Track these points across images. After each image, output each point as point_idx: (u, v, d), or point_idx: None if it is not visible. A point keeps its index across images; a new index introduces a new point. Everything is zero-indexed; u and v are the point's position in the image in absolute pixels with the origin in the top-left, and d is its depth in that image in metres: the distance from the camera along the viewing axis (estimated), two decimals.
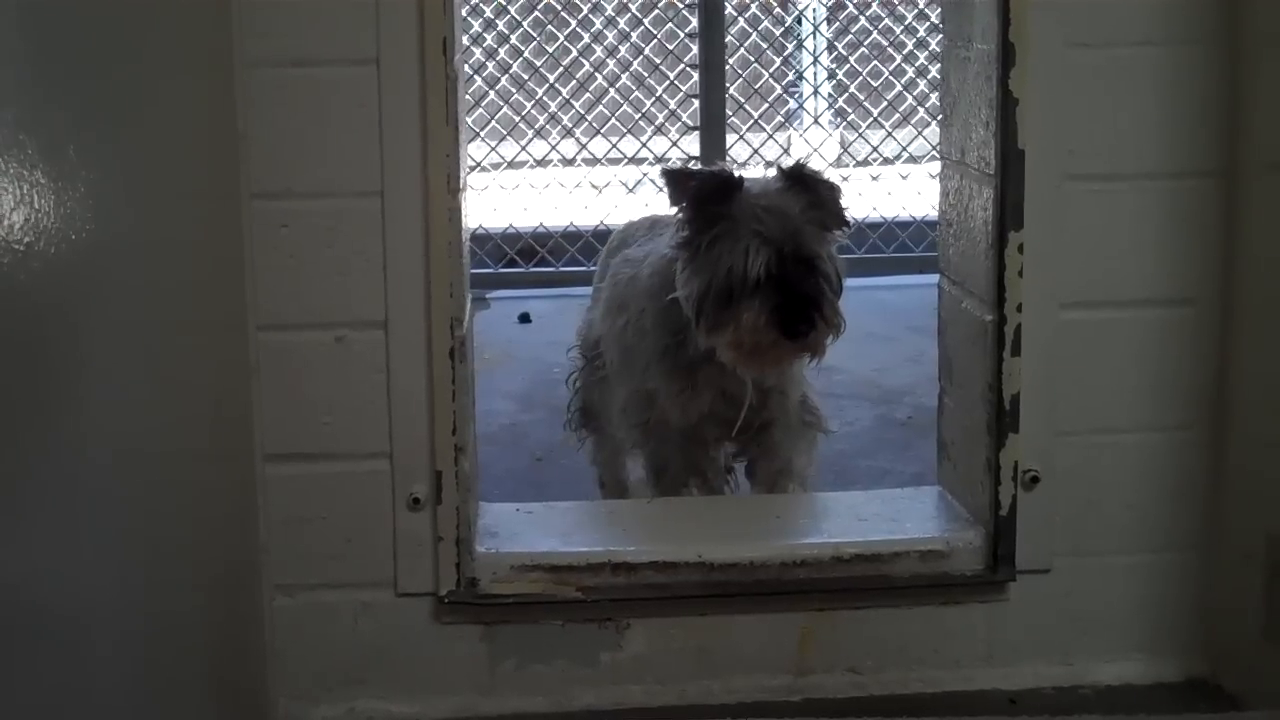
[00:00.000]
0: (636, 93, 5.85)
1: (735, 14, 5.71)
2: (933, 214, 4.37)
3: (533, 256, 5.41)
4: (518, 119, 5.73)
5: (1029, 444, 2.26)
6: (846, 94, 6.17)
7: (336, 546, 2.24)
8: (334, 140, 2.14)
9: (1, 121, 1.22)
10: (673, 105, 5.74)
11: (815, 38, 6.27)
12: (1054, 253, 2.22)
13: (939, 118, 2.59)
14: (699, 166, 2.51)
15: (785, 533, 2.40)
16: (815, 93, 6.30)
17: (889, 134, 5.97)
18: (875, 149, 5.97)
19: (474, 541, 2.27)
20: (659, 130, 5.71)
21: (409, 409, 2.20)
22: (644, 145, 5.69)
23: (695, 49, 5.38)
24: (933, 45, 5.90)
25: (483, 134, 5.73)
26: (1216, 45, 2.21)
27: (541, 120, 5.75)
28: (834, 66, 6.21)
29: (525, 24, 5.80)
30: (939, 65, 2.66)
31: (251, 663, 2.18)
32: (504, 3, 5.79)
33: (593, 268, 5.22)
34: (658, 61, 5.81)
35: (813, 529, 2.42)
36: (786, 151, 6.14)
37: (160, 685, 1.65)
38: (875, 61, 6.03)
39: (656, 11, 5.86)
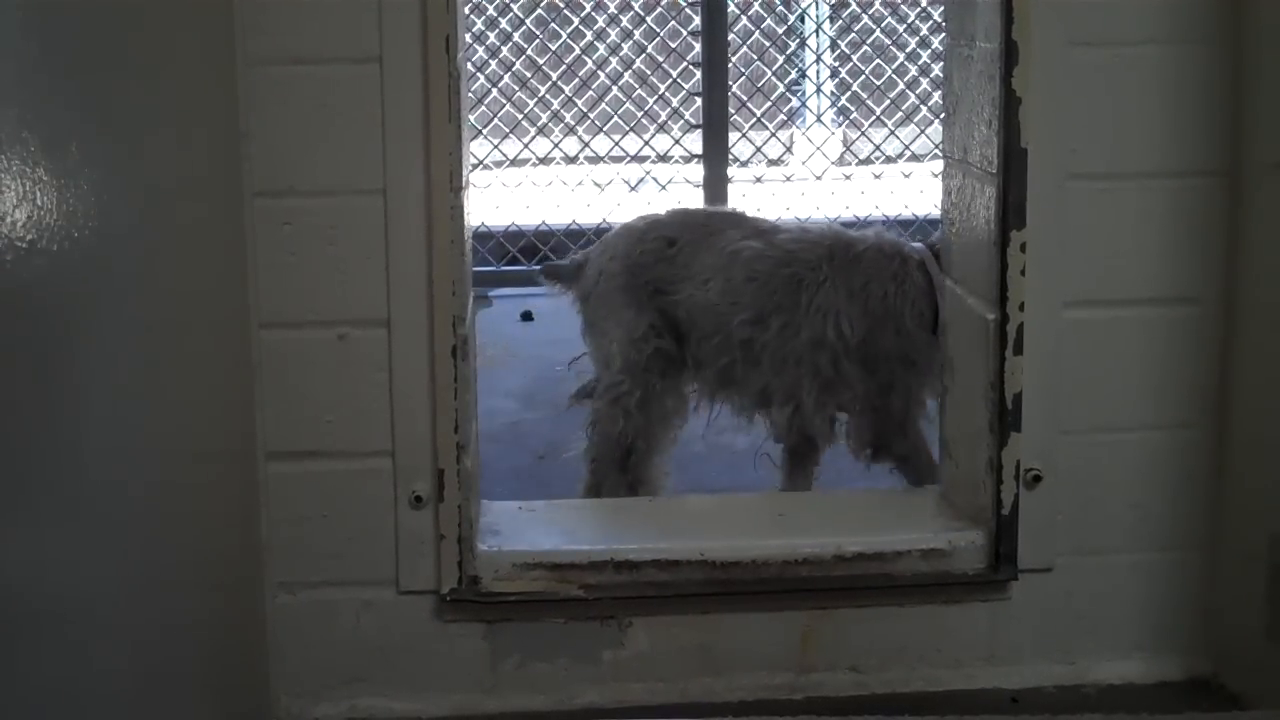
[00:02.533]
0: (639, 90, 5.85)
1: (738, 12, 5.71)
2: (935, 213, 4.36)
3: (535, 254, 5.41)
4: (520, 116, 5.73)
5: (1031, 443, 2.26)
6: (849, 92, 6.17)
7: (338, 545, 2.24)
8: (336, 138, 2.14)
9: (4, 118, 1.22)
10: (675, 103, 5.74)
11: (818, 36, 6.27)
12: (1056, 252, 2.22)
13: (942, 116, 2.59)
14: None
15: (787, 531, 2.39)
16: (818, 91, 6.30)
17: (891, 132, 5.97)
18: (878, 147, 5.97)
19: (476, 540, 2.27)
20: (661, 128, 5.71)
21: (411, 407, 2.20)
22: (646, 143, 5.69)
23: (698, 47, 5.38)
24: (936, 43, 5.89)
25: (485, 131, 5.73)
26: (1220, 44, 2.20)
27: (544, 118, 5.75)
28: (837, 64, 6.20)
29: (528, 21, 5.80)
30: (942, 64, 2.66)
31: (253, 660, 2.18)
32: (507, 0, 5.79)
33: None
34: (660, 59, 5.81)
35: (815, 527, 2.41)
36: (789, 149, 6.14)
37: (162, 682, 1.65)
38: (878, 60, 6.03)
39: (659, 9, 5.86)
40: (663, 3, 5.83)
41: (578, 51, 5.85)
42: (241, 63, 2.10)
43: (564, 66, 5.78)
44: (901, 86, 6.00)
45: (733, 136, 5.43)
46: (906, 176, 5.78)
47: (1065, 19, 2.18)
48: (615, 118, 5.82)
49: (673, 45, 5.75)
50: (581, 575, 2.27)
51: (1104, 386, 2.28)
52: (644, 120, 5.75)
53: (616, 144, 5.74)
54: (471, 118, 4.64)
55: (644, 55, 5.89)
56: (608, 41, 5.93)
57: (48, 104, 1.33)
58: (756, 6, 5.93)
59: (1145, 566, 2.34)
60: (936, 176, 3.14)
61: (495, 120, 5.77)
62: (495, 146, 5.74)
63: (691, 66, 5.53)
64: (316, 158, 2.15)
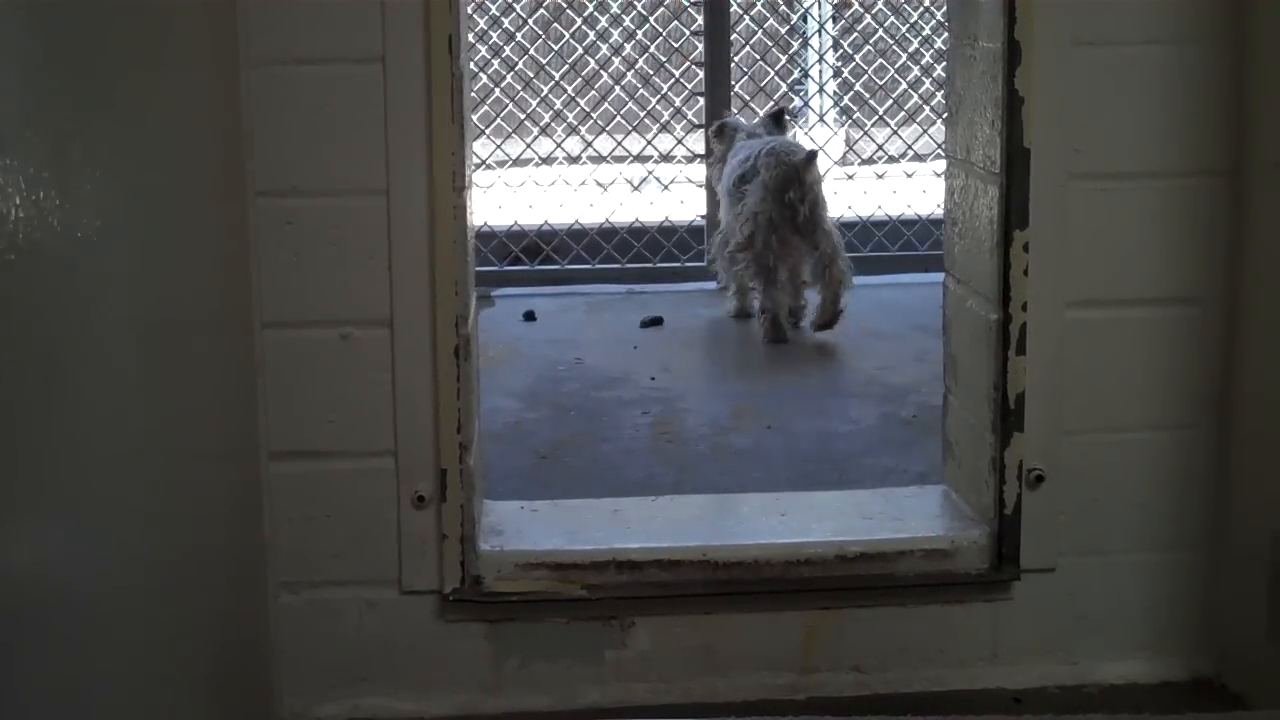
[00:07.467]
0: (642, 90, 5.85)
1: (741, 12, 5.71)
2: (938, 212, 4.36)
3: (537, 254, 5.42)
4: (523, 116, 5.73)
5: (1033, 443, 2.26)
6: (852, 92, 6.17)
7: (341, 544, 2.24)
8: (339, 138, 2.14)
9: (7, 118, 1.22)
10: (678, 103, 5.74)
11: (821, 35, 6.27)
12: (1059, 251, 2.22)
13: (944, 116, 2.59)
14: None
15: (790, 531, 2.40)
16: (820, 91, 6.30)
17: (894, 132, 5.97)
18: (880, 147, 5.96)
19: (478, 539, 2.27)
20: (664, 128, 5.70)
21: (413, 407, 2.20)
22: (649, 143, 5.69)
23: (701, 47, 5.38)
24: (938, 43, 5.90)
25: (488, 131, 5.74)
26: (1223, 44, 2.20)
27: (546, 118, 5.75)
28: (839, 64, 6.20)
29: (531, 21, 5.80)
30: (944, 63, 2.66)
31: (256, 660, 2.19)
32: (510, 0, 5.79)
33: (598, 266, 5.27)
34: (663, 59, 5.81)
35: (817, 527, 2.42)
36: None
37: (165, 682, 1.65)
38: (881, 59, 6.03)
39: (662, 9, 5.86)
40: (666, 2, 5.83)
41: (581, 51, 5.85)
42: (244, 63, 2.10)
43: (567, 66, 5.78)
44: (904, 86, 6.01)
45: None
46: (909, 176, 5.78)
47: (1068, 19, 2.18)
48: (618, 117, 5.82)
49: (675, 45, 5.75)
50: (584, 575, 2.27)
51: (1106, 387, 2.28)
52: (647, 120, 5.75)
53: (619, 144, 5.74)
54: (474, 117, 4.64)
55: (647, 55, 5.89)
56: (610, 41, 5.93)
57: (51, 104, 1.33)
58: (759, 6, 5.92)
59: (1148, 566, 2.34)
60: (939, 176, 3.15)
61: (498, 120, 5.77)
62: (498, 146, 5.74)
63: (694, 66, 5.52)
64: (319, 157, 2.15)
